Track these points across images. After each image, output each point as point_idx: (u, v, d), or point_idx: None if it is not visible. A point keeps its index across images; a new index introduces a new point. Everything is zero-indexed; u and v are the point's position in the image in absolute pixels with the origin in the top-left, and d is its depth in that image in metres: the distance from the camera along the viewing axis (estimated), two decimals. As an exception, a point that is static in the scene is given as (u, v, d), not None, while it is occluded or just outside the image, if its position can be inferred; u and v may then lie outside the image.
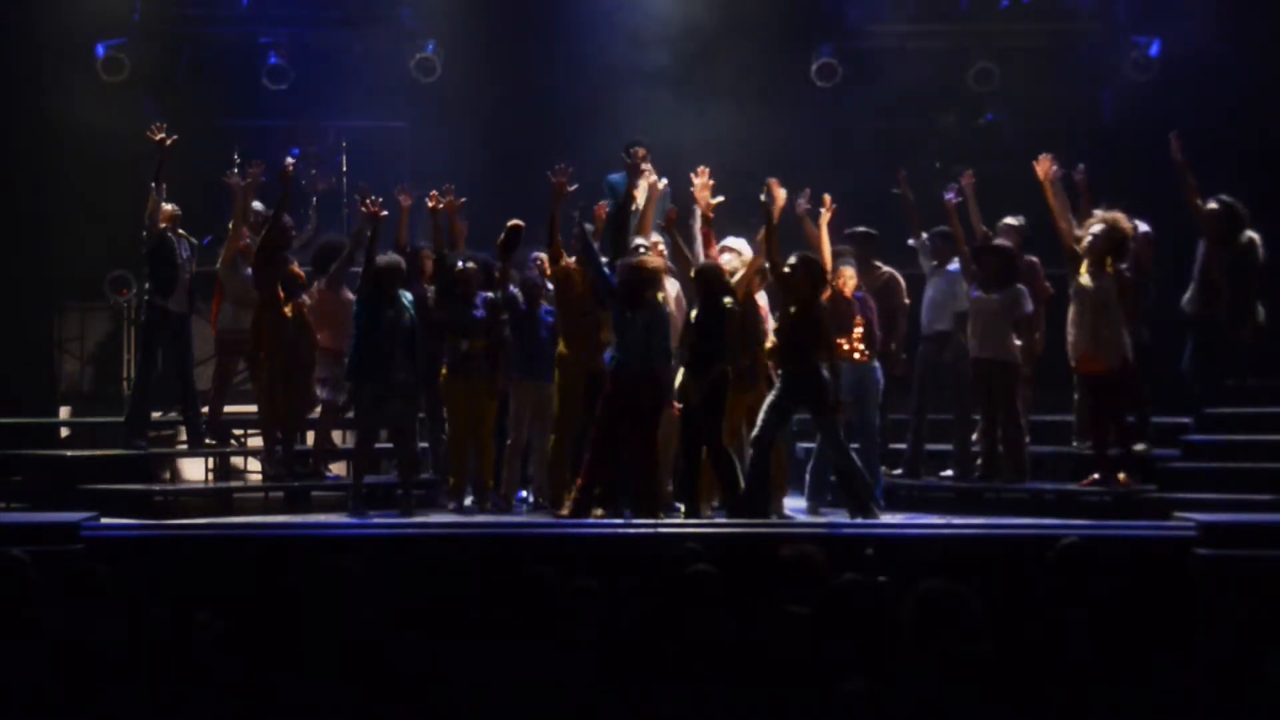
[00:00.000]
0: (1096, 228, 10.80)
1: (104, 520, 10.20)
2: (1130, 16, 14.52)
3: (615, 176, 12.28)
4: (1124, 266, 10.97)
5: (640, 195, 11.56)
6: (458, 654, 5.42)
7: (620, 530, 9.98)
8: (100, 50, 14.20)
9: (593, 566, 6.52)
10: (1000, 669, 4.67)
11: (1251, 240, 11.38)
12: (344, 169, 14.93)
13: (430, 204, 11.67)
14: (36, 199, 13.85)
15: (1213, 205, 11.42)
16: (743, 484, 10.32)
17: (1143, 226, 11.61)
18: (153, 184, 11.90)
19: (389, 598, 6.13)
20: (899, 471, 12.09)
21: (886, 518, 10.84)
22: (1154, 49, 14.19)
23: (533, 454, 11.59)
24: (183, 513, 11.51)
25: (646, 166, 11.71)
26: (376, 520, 10.88)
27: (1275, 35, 13.46)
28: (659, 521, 10.17)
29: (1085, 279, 10.81)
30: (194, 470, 13.17)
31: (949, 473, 11.88)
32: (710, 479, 10.58)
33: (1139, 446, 11.39)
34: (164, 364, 12.26)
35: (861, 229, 11.81)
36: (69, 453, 12.38)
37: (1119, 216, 10.84)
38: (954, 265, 11.81)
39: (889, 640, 4.96)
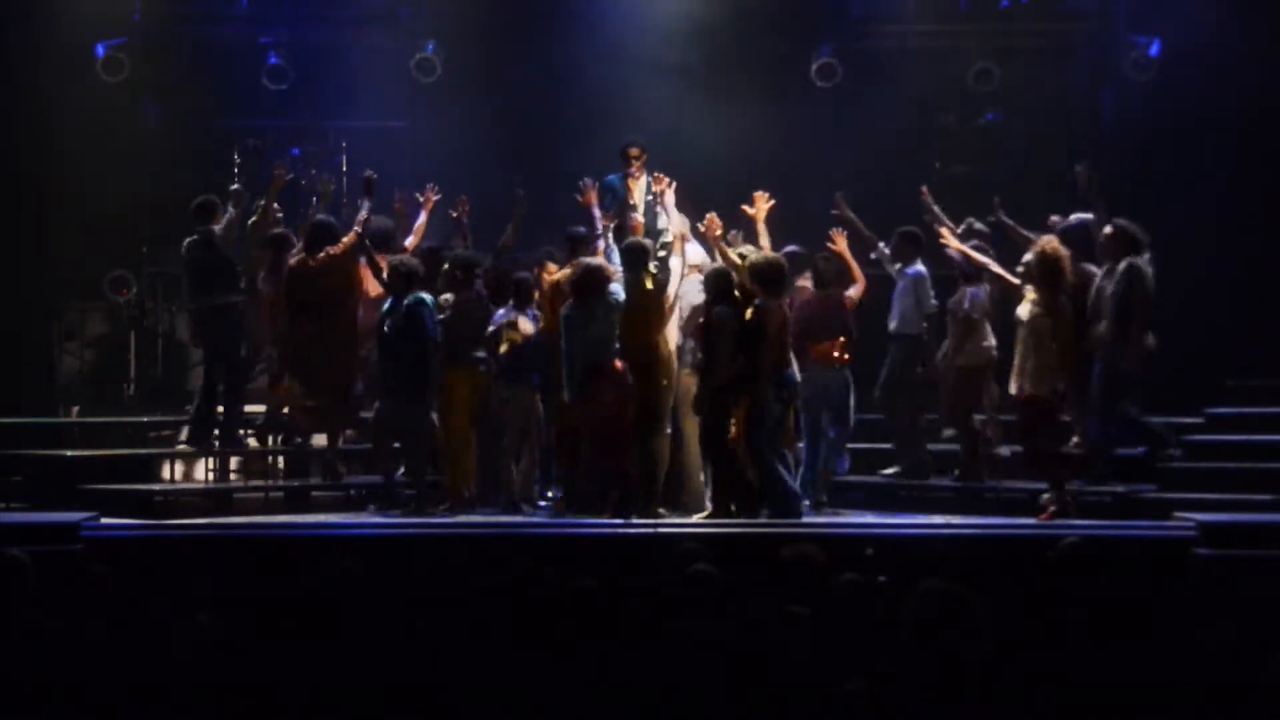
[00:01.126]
0: (1029, 255, 10.57)
1: (104, 520, 10.21)
2: (1130, 16, 14.50)
3: (613, 178, 12.29)
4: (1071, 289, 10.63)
5: (638, 194, 11.63)
6: (458, 654, 5.43)
7: (620, 530, 9.99)
8: (100, 50, 14.19)
9: (593, 566, 6.52)
10: (1000, 669, 4.67)
11: (1132, 265, 10.93)
12: (344, 169, 14.93)
13: (455, 213, 11.85)
14: (36, 199, 13.85)
15: (1108, 229, 11.12)
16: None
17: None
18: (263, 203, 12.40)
19: (389, 598, 6.13)
20: (892, 470, 12.12)
21: (887, 518, 10.84)
22: (1154, 49, 14.17)
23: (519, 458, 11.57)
24: (183, 513, 11.50)
25: (643, 171, 11.79)
26: (376, 520, 10.88)
27: (1275, 35, 13.45)
28: (659, 521, 10.18)
29: (1021, 308, 10.54)
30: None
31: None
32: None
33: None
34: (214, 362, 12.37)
35: (792, 248, 11.72)
36: (69, 453, 12.38)
37: (1045, 244, 10.51)
38: (914, 267, 11.81)
39: (889, 640, 4.96)
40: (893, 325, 11.87)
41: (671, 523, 10.18)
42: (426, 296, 11.16)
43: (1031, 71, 14.68)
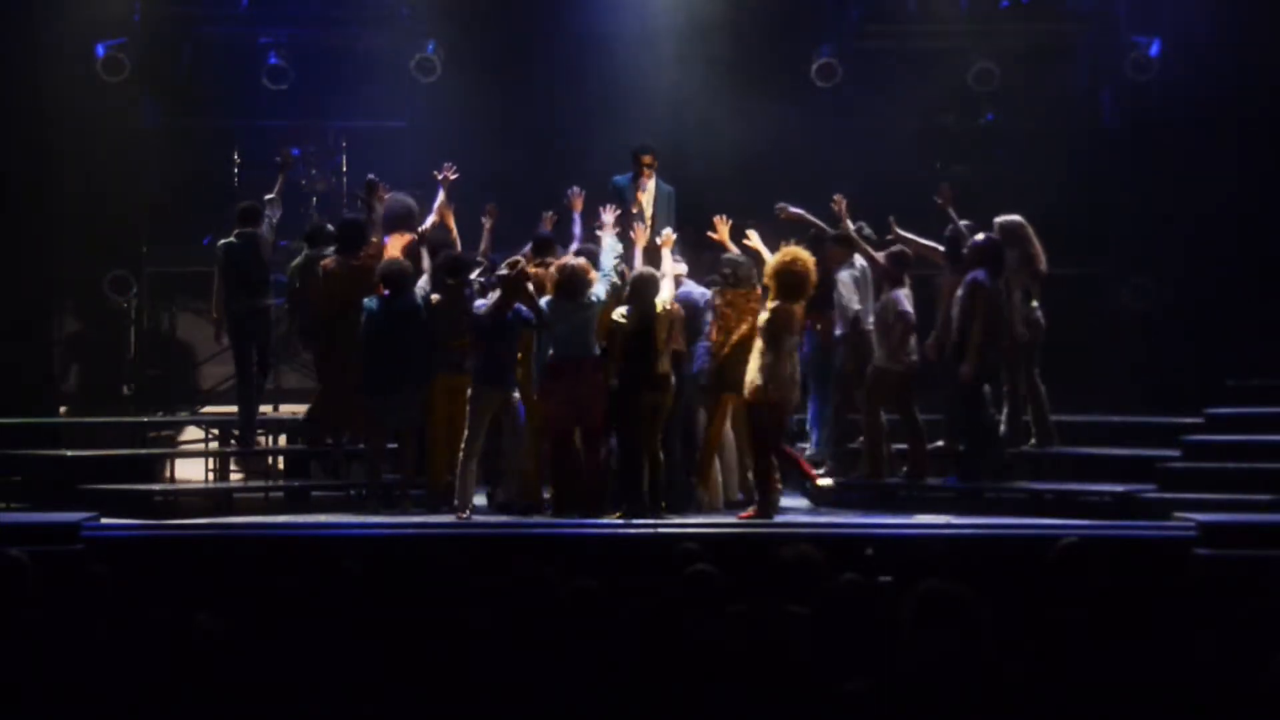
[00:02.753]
0: (771, 261, 10.56)
1: (104, 520, 10.21)
2: (1130, 16, 14.49)
3: (620, 179, 12.28)
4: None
5: (647, 201, 11.70)
6: (458, 654, 5.43)
7: (620, 530, 9.99)
8: (100, 50, 14.17)
9: (593, 566, 6.53)
10: (1000, 669, 4.67)
11: (972, 280, 11.03)
12: (344, 169, 14.94)
13: (486, 221, 11.98)
14: (36, 199, 13.84)
15: (975, 239, 11.26)
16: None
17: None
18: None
19: (389, 598, 6.14)
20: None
21: (887, 518, 10.85)
22: (1154, 49, 14.16)
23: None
24: (183, 513, 11.51)
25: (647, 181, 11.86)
26: (376, 520, 10.87)
27: (1275, 35, 13.44)
28: (659, 521, 10.20)
29: (761, 313, 10.55)
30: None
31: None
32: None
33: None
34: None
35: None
36: (69, 453, 12.38)
37: (780, 256, 10.46)
38: (841, 270, 11.82)
39: (889, 640, 4.96)
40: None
41: (671, 523, 10.20)
42: (418, 294, 11.23)
43: (1031, 71, 14.65)
